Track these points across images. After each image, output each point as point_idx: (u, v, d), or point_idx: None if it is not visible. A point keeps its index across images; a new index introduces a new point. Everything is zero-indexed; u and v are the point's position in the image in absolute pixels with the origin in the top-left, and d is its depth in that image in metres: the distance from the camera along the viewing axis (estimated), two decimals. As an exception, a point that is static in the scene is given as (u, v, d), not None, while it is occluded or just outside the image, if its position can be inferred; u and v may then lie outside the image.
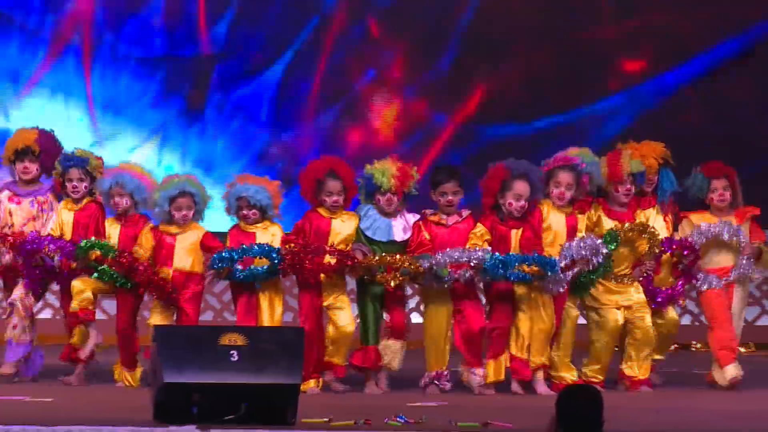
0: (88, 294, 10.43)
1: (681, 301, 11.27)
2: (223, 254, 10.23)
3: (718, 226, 10.97)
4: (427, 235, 10.35)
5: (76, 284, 10.43)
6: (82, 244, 10.41)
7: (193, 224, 10.59)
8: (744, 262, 11.04)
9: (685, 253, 10.84)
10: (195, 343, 9.12)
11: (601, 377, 10.65)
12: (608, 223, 10.82)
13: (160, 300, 10.45)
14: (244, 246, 10.30)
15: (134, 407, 9.32)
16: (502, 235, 10.32)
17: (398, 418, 9.11)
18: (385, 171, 10.42)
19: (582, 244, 10.26)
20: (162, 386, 8.83)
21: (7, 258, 10.64)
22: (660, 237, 10.80)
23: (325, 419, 9.07)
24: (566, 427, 6.81)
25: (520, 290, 10.43)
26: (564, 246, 10.29)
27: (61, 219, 10.79)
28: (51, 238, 10.57)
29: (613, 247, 10.47)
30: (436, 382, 10.48)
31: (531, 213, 10.47)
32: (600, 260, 10.34)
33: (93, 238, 10.55)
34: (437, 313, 10.59)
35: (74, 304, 10.43)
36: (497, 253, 10.21)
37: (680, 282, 10.94)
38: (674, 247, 10.80)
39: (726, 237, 10.92)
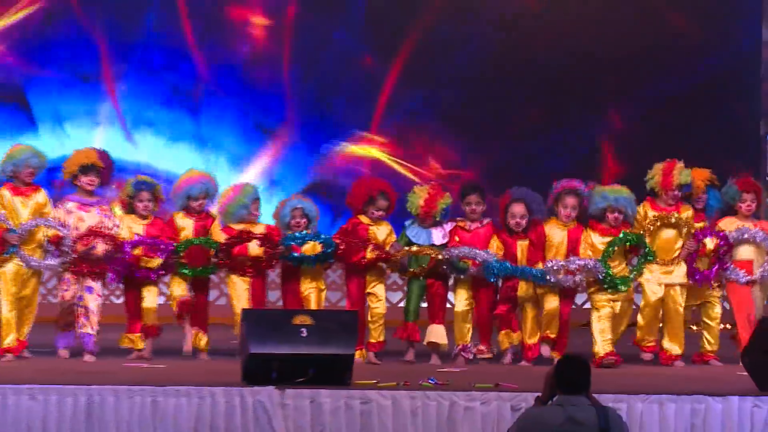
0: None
1: (714, 283, 11.76)
2: (296, 234, 11.23)
3: (755, 231, 11.61)
4: (457, 238, 11.38)
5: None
6: (183, 242, 11.36)
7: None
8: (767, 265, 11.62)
9: (721, 243, 11.50)
10: (273, 323, 10.00)
11: (651, 339, 11.61)
12: (653, 214, 11.57)
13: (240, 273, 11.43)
14: (313, 233, 11.31)
15: (227, 372, 10.24)
16: (508, 245, 11.36)
17: (430, 380, 9.99)
18: (413, 202, 11.38)
19: (575, 263, 11.25)
20: (248, 356, 9.75)
21: (101, 249, 11.22)
22: (692, 221, 11.51)
23: (374, 381, 9.94)
24: (562, 387, 7.61)
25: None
26: (569, 259, 11.28)
27: (130, 231, 11.46)
28: (146, 239, 11.35)
29: (611, 252, 11.35)
30: (462, 353, 11.44)
31: (533, 229, 11.42)
32: (600, 276, 11.29)
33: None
34: (460, 299, 11.54)
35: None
36: (495, 260, 11.21)
37: (715, 267, 11.58)
38: (713, 234, 11.55)
39: (758, 240, 11.61)
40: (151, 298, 11.44)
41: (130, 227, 11.48)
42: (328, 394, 9.68)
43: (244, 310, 10.54)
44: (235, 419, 9.60)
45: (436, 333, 11.40)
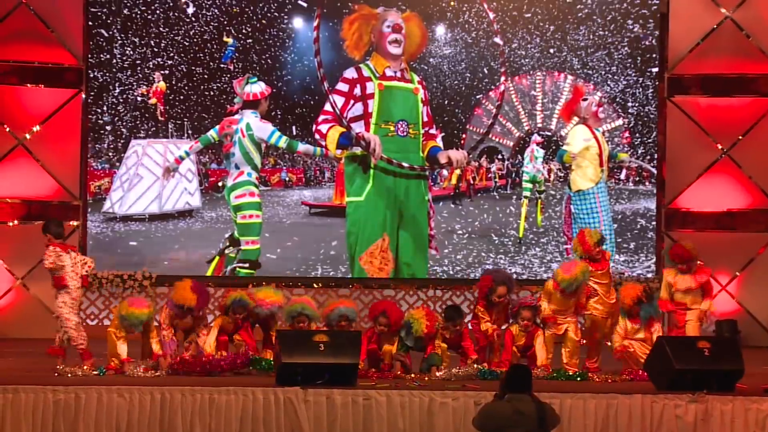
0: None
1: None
2: None
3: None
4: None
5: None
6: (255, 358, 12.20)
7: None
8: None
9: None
10: (299, 340, 11.14)
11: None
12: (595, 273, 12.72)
13: None
14: None
15: (266, 376, 11.55)
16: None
17: (415, 383, 11.27)
18: (419, 327, 12.10)
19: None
20: (281, 364, 10.97)
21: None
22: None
23: (373, 383, 11.15)
24: (511, 387, 8.69)
25: None
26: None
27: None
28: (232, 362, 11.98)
29: None
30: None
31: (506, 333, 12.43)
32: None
33: None
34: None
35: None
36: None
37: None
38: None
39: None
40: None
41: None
42: (339, 392, 10.68)
43: (278, 331, 11.74)
44: (270, 411, 10.61)
45: None
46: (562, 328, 12.40)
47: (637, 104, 17.19)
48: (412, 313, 12.32)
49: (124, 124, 16.92)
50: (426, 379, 11.50)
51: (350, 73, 15.67)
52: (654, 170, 16.94)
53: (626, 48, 17.08)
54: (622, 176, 17.23)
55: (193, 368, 11.69)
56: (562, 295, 12.37)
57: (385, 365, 12.11)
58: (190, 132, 16.94)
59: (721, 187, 17.07)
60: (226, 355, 12.10)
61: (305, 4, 16.79)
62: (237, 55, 16.87)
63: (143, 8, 16.90)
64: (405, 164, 15.33)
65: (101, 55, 16.79)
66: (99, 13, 16.79)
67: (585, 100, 16.22)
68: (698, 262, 12.65)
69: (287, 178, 17.33)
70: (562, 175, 16.97)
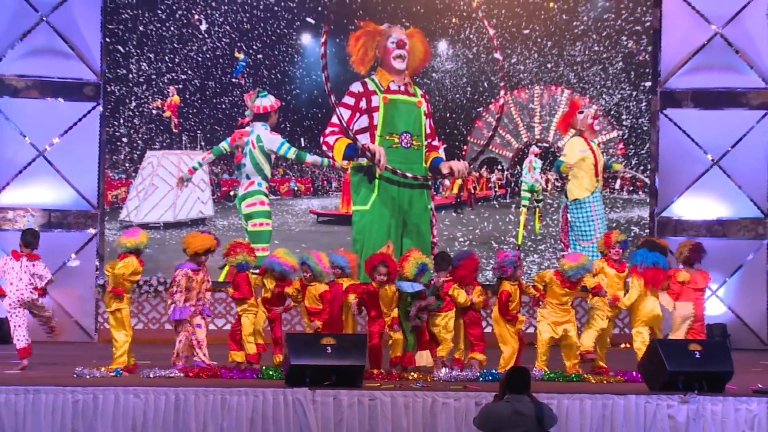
0: None
1: None
2: None
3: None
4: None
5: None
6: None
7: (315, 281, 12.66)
8: None
9: None
10: (307, 343, 11.19)
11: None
12: (610, 271, 12.75)
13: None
14: None
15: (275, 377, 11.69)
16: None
17: (418, 384, 11.38)
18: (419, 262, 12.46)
19: None
20: (290, 366, 11.03)
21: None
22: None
23: (378, 384, 11.26)
24: (510, 388, 8.77)
25: None
26: None
27: None
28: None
29: None
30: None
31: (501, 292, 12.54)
32: None
33: None
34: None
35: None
36: None
37: None
38: None
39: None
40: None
41: None
42: (346, 393, 10.78)
43: (287, 334, 11.84)
44: (279, 411, 10.70)
45: (425, 358, 12.40)
46: (560, 329, 12.42)
47: (630, 117, 17.41)
48: (414, 255, 12.40)
49: (140, 136, 17.24)
50: (429, 380, 11.60)
51: (356, 87, 15.77)
52: (647, 180, 17.17)
53: (620, 63, 17.37)
54: (617, 186, 17.48)
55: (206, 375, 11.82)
56: (564, 284, 12.37)
57: (397, 358, 12.13)
58: (202, 144, 17.23)
59: (711, 196, 17.17)
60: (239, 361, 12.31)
61: (313, 21, 17.01)
62: (248, 70, 17.14)
63: (158, 25, 17.22)
64: (409, 174, 15.44)
65: (118, 70, 17.18)
66: (116, 30, 17.19)
67: (581, 113, 16.34)
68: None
69: (296, 188, 17.49)
70: (559, 184, 17.14)
